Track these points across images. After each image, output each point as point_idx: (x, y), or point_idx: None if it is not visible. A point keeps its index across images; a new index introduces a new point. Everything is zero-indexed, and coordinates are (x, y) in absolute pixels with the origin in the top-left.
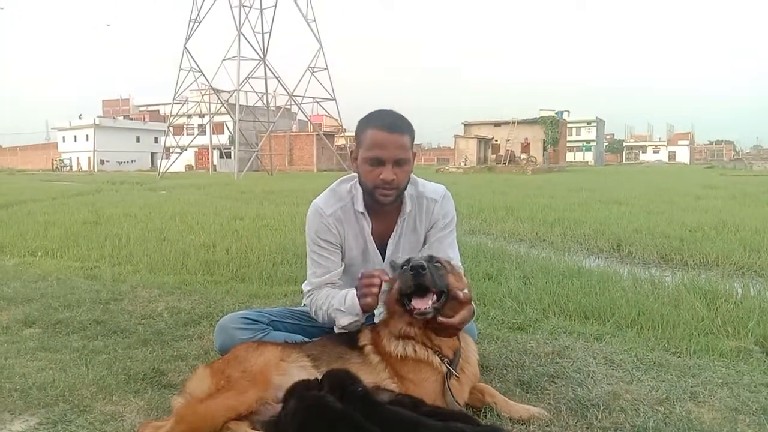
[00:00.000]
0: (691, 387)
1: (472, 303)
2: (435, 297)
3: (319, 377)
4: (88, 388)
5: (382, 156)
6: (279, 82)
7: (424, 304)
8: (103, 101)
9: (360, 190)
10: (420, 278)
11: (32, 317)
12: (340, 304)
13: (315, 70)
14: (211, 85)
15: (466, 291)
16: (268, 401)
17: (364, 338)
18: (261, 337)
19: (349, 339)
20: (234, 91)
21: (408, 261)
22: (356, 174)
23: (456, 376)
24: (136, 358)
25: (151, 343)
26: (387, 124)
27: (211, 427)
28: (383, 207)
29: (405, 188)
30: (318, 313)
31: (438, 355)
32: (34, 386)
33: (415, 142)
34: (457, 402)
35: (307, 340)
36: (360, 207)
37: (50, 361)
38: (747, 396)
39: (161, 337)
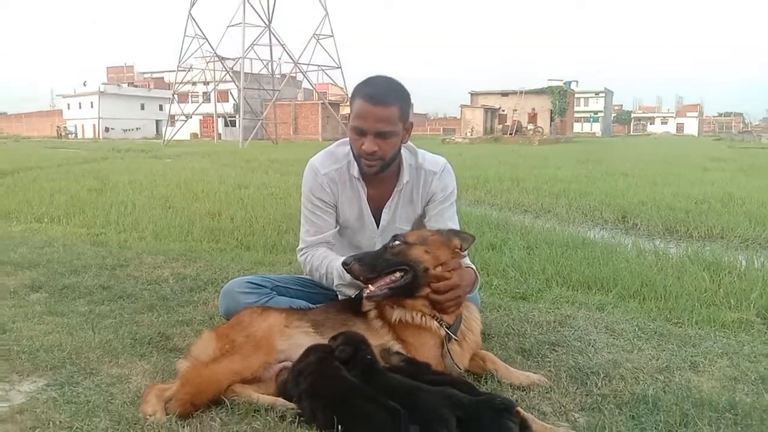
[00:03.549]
0: (692, 356)
1: (474, 270)
2: (399, 274)
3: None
4: (94, 351)
5: (363, 127)
6: (284, 49)
7: (366, 291)
8: (107, 68)
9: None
10: (350, 273)
11: (39, 282)
12: (340, 279)
13: (320, 37)
14: (215, 52)
15: (445, 266)
16: (271, 365)
17: (368, 305)
18: (265, 301)
19: (354, 305)
20: (239, 58)
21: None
22: None
23: (455, 339)
24: (141, 322)
25: (157, 308)
26: (371, 95)
27: (215, 390)
28: (380, 174)
29: (392, 160)
30: (314, 273)
31: (437, 320)
32: (42, 349)
33: (420, 112)
34: (456, 365)
35: (311, 306)
36: (356, 172)
37: (57, 325)
38: (747, 366)
39: (167, 302)
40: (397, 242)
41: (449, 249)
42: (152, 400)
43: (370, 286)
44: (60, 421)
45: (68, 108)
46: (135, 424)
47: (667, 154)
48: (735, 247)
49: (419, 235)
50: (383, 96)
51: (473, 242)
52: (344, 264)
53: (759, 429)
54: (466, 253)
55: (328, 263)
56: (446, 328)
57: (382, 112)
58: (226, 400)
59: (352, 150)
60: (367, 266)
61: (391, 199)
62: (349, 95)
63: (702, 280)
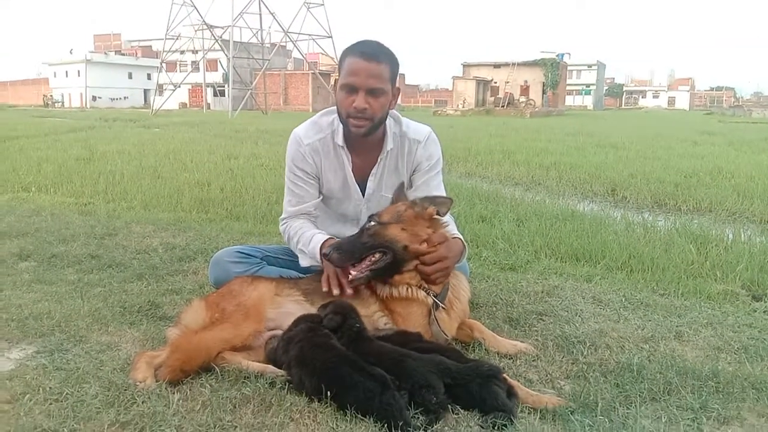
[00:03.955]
0: (677, 326)
1: (461, 240)
2: (378, 255)
3: (314, 312)
4: (83, 319)
5: (356, 83)
6: (274, 17)
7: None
8: (94, 36)
9: (341, 124)
10: (330, 262)
11: (27, 251)
12: (304, 245)
13: (311, 5)
14: (204, 21)
15: (430, 241)
16: (261, 333)
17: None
18: (255, 271)
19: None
20: (228, 26)
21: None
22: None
23: (443, 307)
24: (131, 291)
25: (146, 277)
26: (364, 52)
27: (205, 357)
28: (364, 140)
29: (381, 122)
30: (290, 242)
31: (424, 290)
32: (31, 317)
33: (412, 83)
34: (444, 333)
35: (301, 275)
36: (340, 140)
37: (46, 293)
38: (730, 336)
39: (156, 271)
40: (372, 223)
41: (425, 219)
42: (142, 366)
43: (351, 271)
44: (50, 387)
45: (54, 76)
46: (125, 390)
47: (657, 128)
48: (723, 221)
49: (394, 212)
50: (376, 54)
51: (451, 204)
52: (324, 255)
53: (740, 397)
54: (449, 220)
55: (302, 233)
56: (434, 296)
57: (374, 68)
58: (216, 368)
59: (339, 114)
60: (346, 253)
61: (375, 166)
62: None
63: (689, 253)
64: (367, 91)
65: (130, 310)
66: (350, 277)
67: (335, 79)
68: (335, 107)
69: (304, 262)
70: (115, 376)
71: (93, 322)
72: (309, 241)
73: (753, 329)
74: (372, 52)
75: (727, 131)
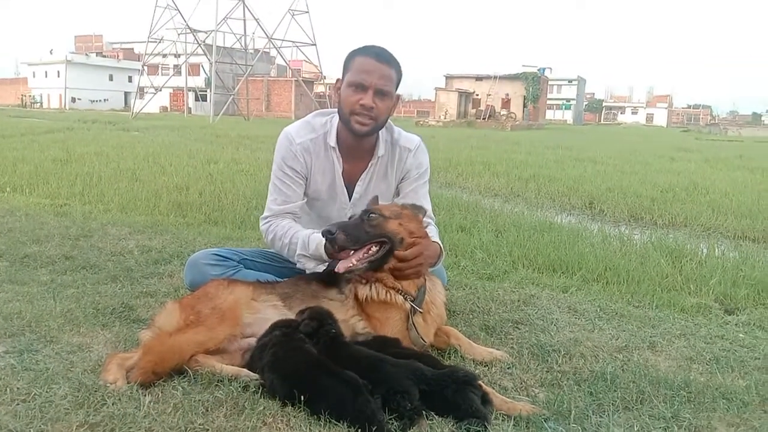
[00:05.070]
0: (650, 337)
1: (439, 245)
2: (375, 247)
3: (292, 317)
4: (55, 319)
5: (366, 81)
6: (258, 23)
7: (346, 264)
8: (75, 37)
9: (335, 125)
10: (332, 242)
11: None
12: (303, 249)
13: (295, 12)
14: (187, 24)
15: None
16: (236, 338)
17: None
18: (232, 274)
19: (322, 278)
20: (211, 31)
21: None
22: (335, 109)
23: (420, 311)
24: (105, 293)
25: (121, 279)
26: (377, 53)
27: (178, 359)
28: (357, 145)
29: (382, 125)
30: (276, 242)
31: (401, 294)
32: (0, 316)
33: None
34: (422, 338)
35: (278, 279)
36: (332, 142)
37: (17, 294)
38: (702, 347)
39: (131, 273)
40: (373, 215)
41: (418, 222)
42: (113, 368)
43: (350, 260)
44: (18, 388)
45: (33, 76)
46: (95, 391)
47: (635, 143)
48: (697, 235)
49: (394, 208)
50: (387, 57)
51: (425, 216)
52: (328, 232)
53: (711, 407)
54: (432, 230)
55: (293, 233)
56: (411, 301)
57: (385, 70)
58: (189, 370)
59: (341, 112)
60: (351, 236)
61: (365, 171)
62: (323, 73)
63: (664, 266)
64: (375, 91)
65: (103, 312)
66: (350, 266)
67: (336, 82)
68: (329, 110)
69: (309, 265)
70: (85, 377)
71: (65, 323)
72: (307, 242)
73: (725, 341)
74: (384, 55)
75: (703, 148)
